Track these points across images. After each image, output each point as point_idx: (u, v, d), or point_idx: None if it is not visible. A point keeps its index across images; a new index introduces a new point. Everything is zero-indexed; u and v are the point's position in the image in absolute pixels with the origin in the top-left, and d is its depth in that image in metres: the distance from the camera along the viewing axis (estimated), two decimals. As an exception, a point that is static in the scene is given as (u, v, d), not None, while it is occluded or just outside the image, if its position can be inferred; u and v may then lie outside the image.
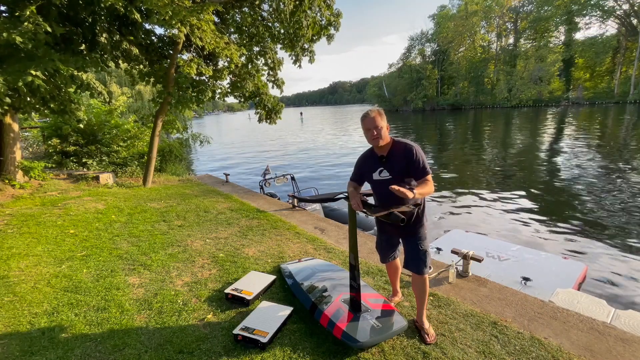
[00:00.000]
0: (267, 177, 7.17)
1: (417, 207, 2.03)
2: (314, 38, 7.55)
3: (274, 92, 8.75)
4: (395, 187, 1.72)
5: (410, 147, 1.96)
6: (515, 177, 10.32)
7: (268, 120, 8.69)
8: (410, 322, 2.26)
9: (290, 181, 7.23)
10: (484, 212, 7.37)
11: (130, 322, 2.39)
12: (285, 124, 42.24)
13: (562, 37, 45.73)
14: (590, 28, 65.07)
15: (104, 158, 9.34)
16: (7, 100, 4.45)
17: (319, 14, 7.23)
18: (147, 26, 6.98)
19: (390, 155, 2.02)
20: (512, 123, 28.08)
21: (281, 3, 6.64)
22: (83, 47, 5.93)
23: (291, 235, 4.13)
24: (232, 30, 8.04)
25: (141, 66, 7.51)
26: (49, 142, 9.03)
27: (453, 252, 3.07)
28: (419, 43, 58.66)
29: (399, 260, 2.44)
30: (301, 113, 74.10)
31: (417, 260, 2.10)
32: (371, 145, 2.08)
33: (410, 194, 1.72)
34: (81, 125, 8.74)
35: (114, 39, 6.21)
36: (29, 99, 4.93)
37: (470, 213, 7.37)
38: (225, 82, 8.19)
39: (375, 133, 1.96)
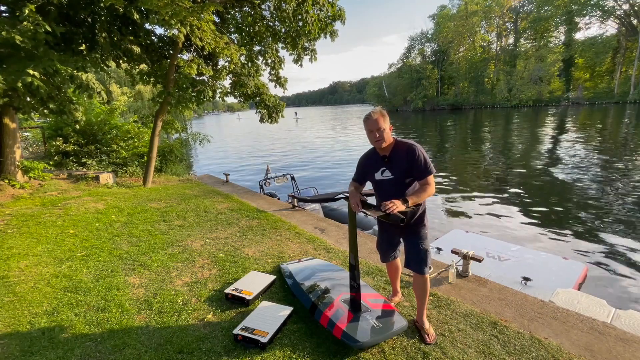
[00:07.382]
0: (267, 177, 7.18)
1: (417, 207, 2.03)
2: (316, 36, 7.51)
3: (276, 91, 8.75)
4: (389, 208, 1.77)
5: (413, 147, 1.96)
6: (516, 177, 10.31)
7: (270, 120, 8.69)
8: (410, 322, 2.26)
9: (290, 181, 7.23)
10: (484, 212, 7.36)
11: (130, 322, 2.39)
12: (280, 124, 42.18)
13: (562, 37, 45.78)
14: (590, 28, 65.21)
15: (103, 158, 9.33)
16: (5, 99, 4.46)
17: (322, 12, 7.21)
18: (147, 26, 6.98)
19: (392, 156, 2.02)
20: (513, 123, 28.07)
21: (283, 2, 6.62)
22: (83, 47, 5.93)
23: (291, 235, 4.13)
24: (233, 29, 8.03)
25: (142, 66, 7.50)
26: (52, 142, 9.02)
27: (453, 252, 3.07)
28: (419, 43, 58.72)
29: (400, 260, 2.44)
30: (296, 113, 71.49)
31: (418, 260, 2.10)
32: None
33: (403, 207, 1.79)
34: (78, 127, 8.74)
35: (114, 38, 6.21)
36: (28, 99, 4.93)
37: (470, 213, 7.37)
38: (227, 82, 8.19)
39: (378, 135, 1.95)
